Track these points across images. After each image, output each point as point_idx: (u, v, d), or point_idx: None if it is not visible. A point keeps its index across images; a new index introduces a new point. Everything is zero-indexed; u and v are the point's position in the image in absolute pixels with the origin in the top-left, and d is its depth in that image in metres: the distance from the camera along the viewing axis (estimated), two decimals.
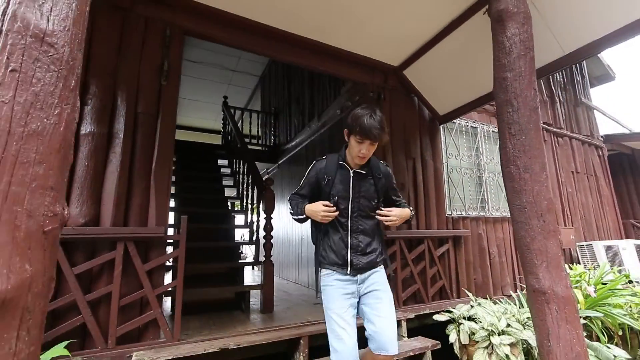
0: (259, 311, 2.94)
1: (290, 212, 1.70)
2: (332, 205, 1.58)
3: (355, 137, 1.54)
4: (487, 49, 2.14)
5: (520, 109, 1.96)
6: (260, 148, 6.82)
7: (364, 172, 1.66)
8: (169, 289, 2.16)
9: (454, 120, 3.78)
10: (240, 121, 6.71)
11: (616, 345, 3.09)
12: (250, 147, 5.80)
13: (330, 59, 3.05)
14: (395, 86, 3.46)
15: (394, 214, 1.61)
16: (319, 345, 2.34)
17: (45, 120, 0.75)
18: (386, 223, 1.63)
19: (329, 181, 1.64)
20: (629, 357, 2.11)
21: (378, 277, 1.64)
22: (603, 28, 2.15)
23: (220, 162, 5.49)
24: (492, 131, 4.25)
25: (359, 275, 1.61)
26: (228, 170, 5.27)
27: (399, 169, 3.23)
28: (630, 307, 3.19)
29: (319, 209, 1.56)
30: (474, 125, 4.12)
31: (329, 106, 4.46)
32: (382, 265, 1.70)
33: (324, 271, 1.65)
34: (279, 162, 6.41)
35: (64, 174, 0.79)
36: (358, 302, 1.62)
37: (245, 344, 2.00)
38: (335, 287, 1.58)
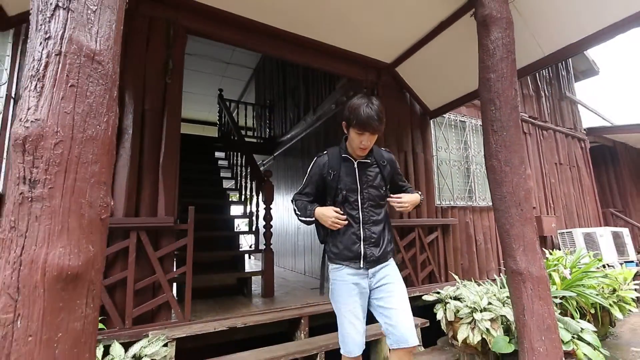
0: (260, 296, 3.13)
1: (297, 214, 1.63)
2: (342, 213, 1.53)
3: (355, 129, 1.51)
4: (474, 49, 2.31)
5: (502, 108, 2.13)
6: (255, 140, 6.93)
7: (369, 161, 1.63)
8: (175, 276, 2.32)
9: (444, 115, 3.96)
10: (236, 113, 6.78)
11: (588, 321, 3.38)
12: (245, 139, 5.91)
13: (327, 57, 3.18)
14: (388, 82, 3.61)
15: (406, 200, 1.59)
16: (318, 325, 2.55)
17: (98, 126, 0.89)
18: (397, 209, 1.59)
19: (335, 175, 1.58)
20: (594, 329, 2.35)
21: (389, 270, 1.60)
22: (578, 32, 2.33)
23: (217, 154, 5.61)
24: (480, 125, 4.45)
25: (370, 269, 1.57)
26: (225, 162, 5.39)
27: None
28: (602, 287, 3.47)
29: (331, 214, 1.50)
30: (463, 120, 4.31)
31: (324, 100, 4.59)
32: (392, 257, 1.66)
33: (333, 266, 1.60)
34: (275, 154, 6.55)
35: (111, 171, 0.94)
36: (369, 297, 1.59)
37: (251, 323, 2.18)
38: (347, 282, 1.54)
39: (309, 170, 1.69)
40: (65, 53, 0.84)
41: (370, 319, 1.62)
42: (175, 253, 3.13)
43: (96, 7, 0.92)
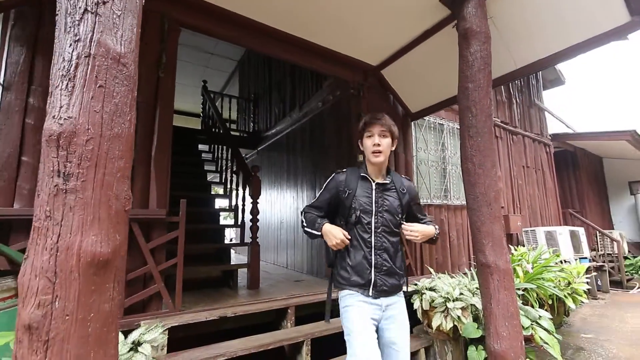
0: (246, 287, 3.21)
1: (304, 226, 1.57)
2: (350, 238, 1.48)
3: (365, 133, 1.55)
4: (454, 58, 2.49)
5: (478, 115, 2.33)
6: (238, 134, 6.92)
7: (387, 183, 1.58)
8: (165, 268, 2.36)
9: (424, 117, 4.18)
10: (219, 105, 6.73)
11: (545, 310, 3.73)
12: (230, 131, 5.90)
13: (317, 57, 3.28)
14: (374, 84, 3.76)
15: (417, 229, 1.49)
16: (303, 315, 2.68)
17: (123, 125, 0.96)
18: (407, 237, 1.50)
19: (350, 194, 1.53)
20: (550, 317, 2.64)
21: (398, 310, 1.54)
22: (546, 50, 2.58)
23: (201, 146, 5.57)
24: (457, 128, 4.72)
25: (382, 299, 1.50)
26: (209, 155, 5.37)
27: None
28: (559, 281, 3.84)
29: (339, 235, 1.44)
30: (441, 123, 4.56)
31: (310, 97, 4.69)
32: (401, 292, 1.60)
33: (344, 292, 1.52)
34: (259, 149, 6.57)
35: (131, 166, 1.01)
36: (377, 330, 1.51)
37: (241, 313, 2.28)
38: (360, 308, 1.45)
39: (325, 185, 1.63)
40: (94, 55, 0.91)
41: None
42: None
43: (120, 12, 0.98)
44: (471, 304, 2.49)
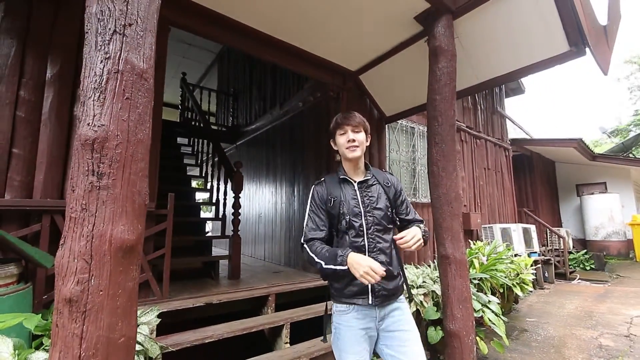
0: (227, 278, 3.37)
1: (318, 262, 1.34)
2: (384, 269, 1.24)
3: (337, 132, 1.50)
4: (425, 69, 2.77)
5: (443, 124, 2.64)
6: (217, 128, 6.93)
7: (369, 180, 1.50)
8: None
9: (397, 121, 4.49)
10: (199, 98, 6.70)
11: (497, 298, 4.20)
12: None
13: (299, 60, 3.45)
14: (352, 88, 4.01)
15: (408, 238, 1.31)
16: (282, 303, 2.89)
17: (144, 131, 1.11)
18: (405, 248, 1.34)
19: (336, 201, 1.44)
20: (499, 302, 3.04)
21: (401, 314, 1.42)
22: (502, 69, 2.94)
23: (180, 139, 5.57)
24: (427, 132, 5.08)
25: (379, 309, 1.39)
26: (188, 149, 5.39)
27: None
28: (510, 271, 4.32)
29: (365, 263, 1.21)
30: (412, 126, 4.90)
31: (291, 96, 4.85)
32: (403, 296, 1.49)
33: (338, 308, 1.42)
34: (237, 143, 6.64)
35: (148, 167, 1.17)
36: (377, 341, 1.42)
37: (225, 300, 2.46)
38: (353, 328, 1.36)
39: (309, 204, 1.51)
40: (122, 71, 1.06)
41: None
42: None
43: (143, 32, 1.14)
44: (432, 291, 2.82)
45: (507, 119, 7.82)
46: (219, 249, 6.24)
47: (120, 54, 1.07)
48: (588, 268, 8.09)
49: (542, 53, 2.70)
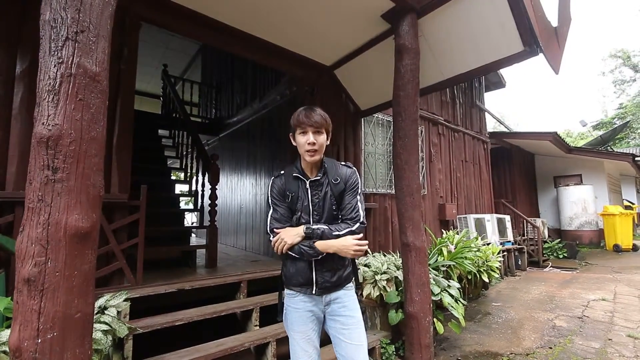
0: (204, 267, 3.50)
1: (289, 252, 1.45)
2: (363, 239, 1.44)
3: (297, 129, 1.47)
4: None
5: (405, 120, 2.78)
6: (200, 120, 6.97)
7: (319, 178, 1.53)
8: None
9: (373, 114, 4.62)
10: (180, 89, 6.71)
11: (464, 285, 4.44)
12: (190, 118, 5.97)
13: (274, 55, 3.53)
14: (327, 83, 4.11)
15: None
16: (255, 290, 3.04)
17: (97, 130, 1.22)
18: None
19: (293, 197, 1.51)
20: (458, 286, 3.24)
21: (346, 300, 1.51)
22: (465, 66, 3.08)
23: (160, 131, 5.61)
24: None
25: (324, 296, 1.50)
26: (169, 141, 5.45)
27: (325, 154, 3.97)
28: (478, 259, 4.55)
29: (349, 243, 1.41)
30: (389, 120, 5.04)
31: (270, 90, 4.93)
32: (351, 284, 1.57)
33: (287, 292, 1.55)
34: (220, 135, 6.70)
35: (103, 161, 1.28)
36: (324, 322, 1.54)
37: (198, 286, 2.59)
38: (300, 310, 1.49)
39: (270, 196, 1.56)
40: (75, 75, 1.16)
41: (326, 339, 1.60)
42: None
43: (95, 38, 1.23)
44: (395, 276, 3.01)
45: (486, 113, 8.02)
46: (203, 239, 6.35)
47: (73, 58, 1.17)
48: (561, 256, 8.46)
49: (499, 52, 2.85)
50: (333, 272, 1.49)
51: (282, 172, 1.60)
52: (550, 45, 2.67)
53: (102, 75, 1.25)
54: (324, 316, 1.53)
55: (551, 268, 7.31)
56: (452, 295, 3.04)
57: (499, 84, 9.11)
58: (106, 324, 1.69)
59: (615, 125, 15.06)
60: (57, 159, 1.11)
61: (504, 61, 2.88)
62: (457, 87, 6.87)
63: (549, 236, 9.28)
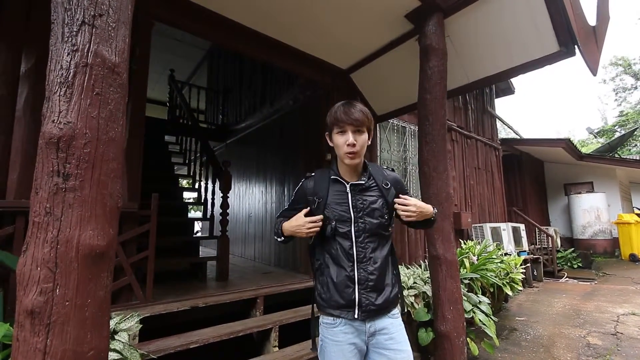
0: (215, 279, 3.29)
1: (274, 234, 1.41)
2: (317, 220, 1.26)
3: (335, 129, 1.29)
4: (415, 69, 2.74)
5: (434, 124, 2.61)
6: (206, 126, 6.81)
7: (364, 183, 1.33)
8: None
9: (389, 120, 4.46)
10: (187, 95, 6.57)
11: (487, 297, 4.22)
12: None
13: (291, 58, 3.39)
14: (342, 87, 3.95)
15: (412, 203, 1.25)
16: (271, 304, 2.84)
17: (116, 129, 1.04)
18: (400, 214, 1.27)
19: (320, 203, 1.31)
20: (489, 302, 3.03)
21: (393, 330, 1.29)
22: (494, 68, 2.92)
23: (167, 137, 5.45)
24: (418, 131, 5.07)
25: (368, 324, 1.27)
26: (176, 147, 5.28)
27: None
28: (500, 271, 4.34)
29: (301, 222, 1.26)
30: (404, 125, 4.88)
31: (281, 94, 4.78)
32: (397, 310, 1.36)
33: (324, 320, 1.31)
34: (227, 142, 6.54)
35: (122, 167, 1.10)
36: (366, 353, 1.31)
37: (212, 303, 2.38)
38: (341, 344, 1.25)
39: (294, 195, 1.43)
40: (91, 65, 0.99)
41: None
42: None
43: (115, 24, 1.06)
44: (423, 292, 2.80)
45: (497, 119, 7.87)
46: (209, 249, 6.13)
47: (90, 46, 0.99)
48: (575, 266, 8.22)
49: (532, 53, 2.69)
50: (379, 292, 1.28)
51: (314, 173, 1.41)
52: (588, 45, 2.51)
53: (121, 67, 1.07)
54: (367, 347, 1.30)
55: (567, 279, 7.07)
56: (483, 312, 2.83)
57: (508, 90, 8.99)
58: (117, 351, 1.49)
59: (624, 133, 14.93)
60: (70, 164, 0.93)
61: (536, 63, 2.72)
62: (469, 93, 6.74)
63: (561, 245, 9.05)
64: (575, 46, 2.47)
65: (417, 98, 2.76)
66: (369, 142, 1.34)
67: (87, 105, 0.97)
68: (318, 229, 1.26)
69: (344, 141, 1.27)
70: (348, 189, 1.32)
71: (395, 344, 1.28)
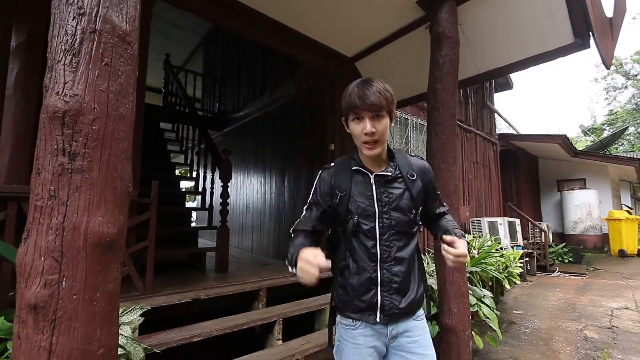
0: (214, 271, 3.21)
1: (286, 260, 1.14)
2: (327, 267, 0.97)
3: (351, 115, 1.13)
4: (424, 58, 2.65)
5: (444, 115, 2.54)
6: (203, 114, 6.63)
7: (390, 174, 1.18)
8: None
9: None
10: (184, 82, 6.37)
11: (487, 290, 4.23)
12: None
13: (296, 43, 3.26)
14: (347, 75, 3.84)
15: (461, 252, 1.05)
16: (273, 296, 2.77)
17: (127, 105, 0.94)
18: (450, 264, 1.08)
19: (343, 197, 1.16)
20: (491, 295, 3.02)
21: (417, 333, 1.18)
22: (506, 59, 2.86)
23: (162, 124, 5.27)
24: (420, 123, 5.01)
25: (390, 327, 1.16)
26: (172, 135, 5.11)
27: (344, 151, 3.70)
28: (499, 265, 4.35)
29: (314, 272, 0.95)
30: (406, 117, 4.81)
31: (282, 82, 4.65)
32: (422, 312, 1.24)
33: (343, 322, 1.20)
34: (225, 130, 6.38)
35: (131, 147, 1.00)
36: (385, 355, 1.21)
37: (214, 295, 2.30)
38: (360, 347, 1.15)
39: (312, 191, 1.25)
40: (100, 31, 0.88)
41: None
42: None
43: None
44: (428, 285, 2.76)
45: (495, 114, 7.87)
46: (205, 240, 6.03)
47: (98, 10, 0.89)
48: (566, 261, 8.36)
49: (545, 44, 2.64)
50: (403, 294, 1.14)
51: (332, 164, 1.26)
52: (604, 37, 2.45)
53: (132, 36, 0.97)
54: (387, 349, 1.20)
55: (559, 273, 7.18)
56: (487, 306, 2.81)
57: (507, 85, 8.98)
58: (120, 346, 1.40)
59: (615, 131, 15.18)
60: (76, 142, 0.83)
61: (549, 54, 2.66)
62: (469, 87, 6.69)
63: (552, 240, 9.20)
64: (591, 38, 2.42)
65: (425, 88, 2.69)
66: (392, 125, 1.18)
67: (95, 76, 0.87)
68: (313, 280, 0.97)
69: (361, 129, 1.10)
70: (372, 181, 1.17)
71: (420, 347, 1.17)
